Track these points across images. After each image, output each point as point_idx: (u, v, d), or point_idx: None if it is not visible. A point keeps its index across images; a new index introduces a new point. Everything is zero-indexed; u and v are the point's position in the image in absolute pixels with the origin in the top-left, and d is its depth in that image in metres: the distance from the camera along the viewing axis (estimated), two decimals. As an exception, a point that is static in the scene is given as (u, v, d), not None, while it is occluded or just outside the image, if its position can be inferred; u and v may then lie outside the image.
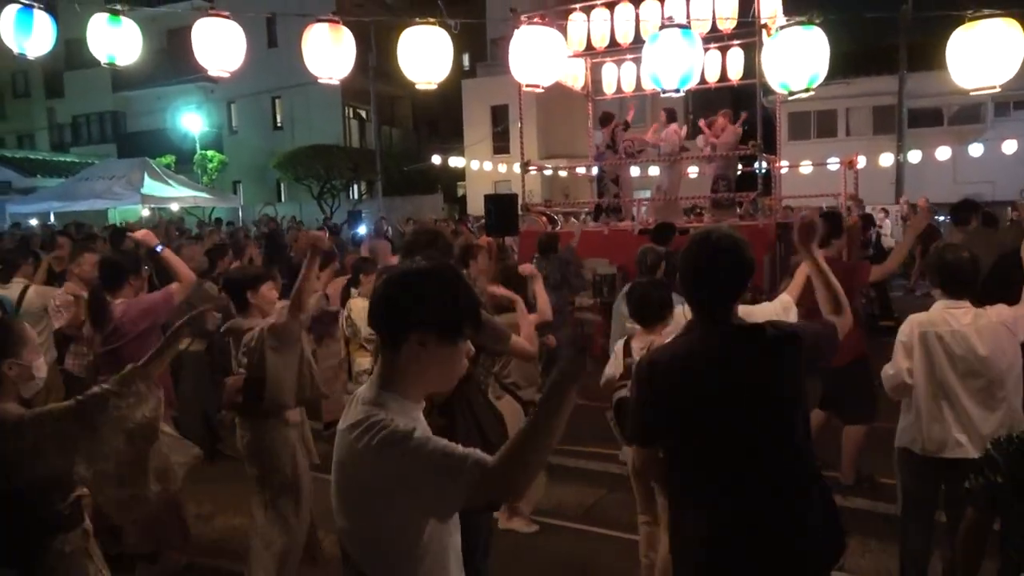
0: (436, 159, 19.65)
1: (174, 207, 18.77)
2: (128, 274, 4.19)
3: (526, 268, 4.69)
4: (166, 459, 3.04)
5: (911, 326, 3.30)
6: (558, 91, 7.88)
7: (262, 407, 3.58)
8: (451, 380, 1.70)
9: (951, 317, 3.22)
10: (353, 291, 5.37)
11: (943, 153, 16.36)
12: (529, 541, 4.52)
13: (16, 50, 4.98)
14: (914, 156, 17.01)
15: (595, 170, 10.89)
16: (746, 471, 2.08)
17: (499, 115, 24.68)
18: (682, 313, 3.94)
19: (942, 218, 12.67)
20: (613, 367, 3.78)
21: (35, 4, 4.96)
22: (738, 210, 9.95)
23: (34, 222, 17.99)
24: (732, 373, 2.09)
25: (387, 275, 1.73)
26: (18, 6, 4.91)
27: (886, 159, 16.63)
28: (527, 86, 5.39)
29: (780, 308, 3.31)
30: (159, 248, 4.28)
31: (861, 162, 11.48)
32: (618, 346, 3.80)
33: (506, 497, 1.50)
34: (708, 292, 2.18)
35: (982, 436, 3.15)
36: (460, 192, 28.21)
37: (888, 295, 9.46)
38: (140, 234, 4.62)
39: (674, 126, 10.38)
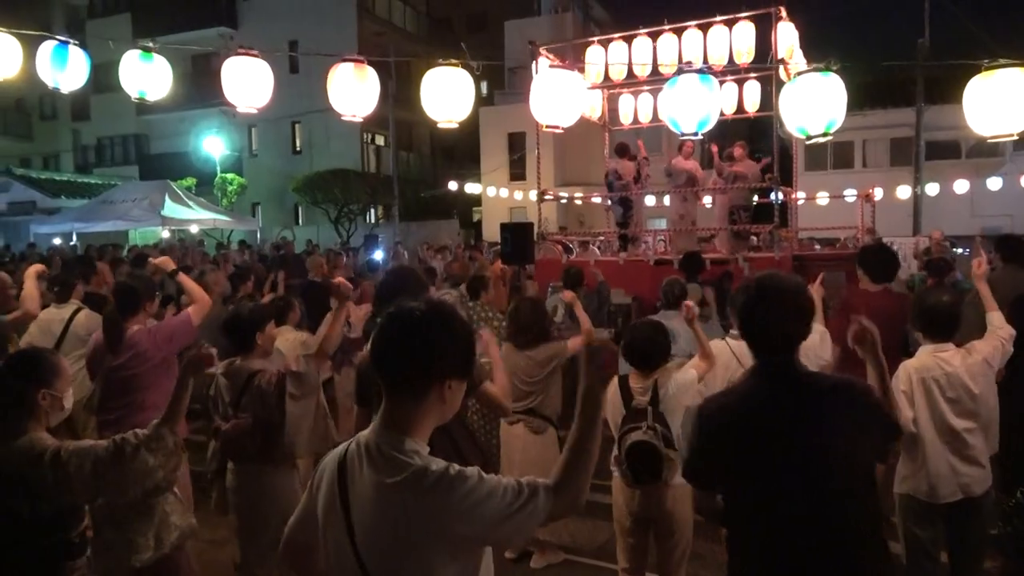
0: (453, 185, 19.79)
1: (193, 229, 19.00)
2: (143, 299, 4.15)
3: (567, 295, 4.75)
4: (165, 517, 3.06)
5: (907, 373, 3.28)
6: (575, 121, 7.94)
7: (274, 454, 3.43)
8: (456, 410, 1.74)
9: (942, 361, 3.23)
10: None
11: (961, 186, 16.26)
12: (543, 578, 4.53)
13: (51, 84, 5.11)
14: (931, 189, 16.92)
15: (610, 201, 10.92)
16: (790, 515, 2.05)
17: (516, 142, 24.82)
18: (726, 346, 3.89)
19: (960, 251, 12.60)
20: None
21: (71, 41, 5.12)
22: (755, 240, 9.93)
23: (57, 241, 18.28)
24: (784, 421, 2.06)
25: (393, 322, 1.67)
26: (55, 42, 5.06)
27: (903, 191, 16.55)
28: (547, 127, 5.43)
29: (816, 338, 3.35)
30: (176, 272, 4.34)
31: (878, 194, 11.45)
32: (612, 386, 3.59)
33: (575, 506, 1.65)
34: (768, 339, 2.14)
35: (983, 473, 3.23)
36: (476, 218, 28.35)
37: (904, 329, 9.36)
38: (159, 261, 4.63)
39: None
